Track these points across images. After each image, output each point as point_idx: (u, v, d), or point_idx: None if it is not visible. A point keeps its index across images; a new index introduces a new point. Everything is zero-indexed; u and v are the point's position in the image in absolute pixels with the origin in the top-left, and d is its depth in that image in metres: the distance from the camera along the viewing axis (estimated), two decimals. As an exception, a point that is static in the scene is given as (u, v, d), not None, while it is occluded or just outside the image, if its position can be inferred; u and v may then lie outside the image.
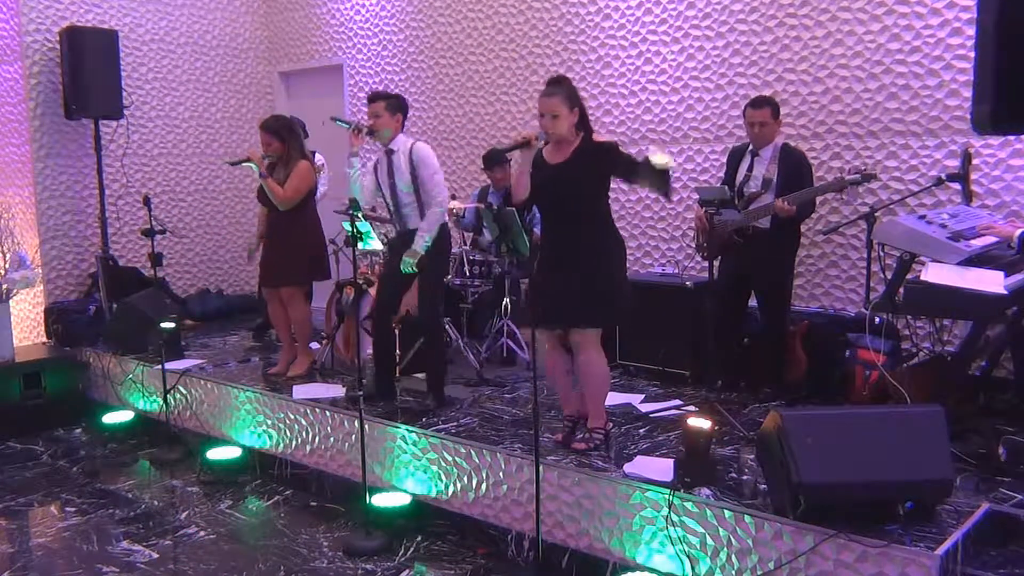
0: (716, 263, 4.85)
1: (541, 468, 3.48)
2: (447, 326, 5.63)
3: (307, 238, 5.26)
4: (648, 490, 3.38)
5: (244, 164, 5.20)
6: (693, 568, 3.25)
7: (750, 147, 4.68)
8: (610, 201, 3.94)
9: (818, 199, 4.99)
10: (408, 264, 4.48)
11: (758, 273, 4.58)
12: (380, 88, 7.37)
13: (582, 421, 4.01)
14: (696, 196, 4.95)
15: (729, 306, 4.71)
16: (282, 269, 5.24)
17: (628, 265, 5.86)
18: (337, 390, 5.03)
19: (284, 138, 5.14)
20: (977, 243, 3.64)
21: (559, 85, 3.77)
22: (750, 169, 4.64)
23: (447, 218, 4.78)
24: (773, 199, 4.44)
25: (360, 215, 4.17)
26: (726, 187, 4.53)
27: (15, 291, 6.04)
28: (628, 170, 3.80)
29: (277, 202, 5.13)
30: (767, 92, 5.25)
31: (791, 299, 4.79)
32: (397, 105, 4.66)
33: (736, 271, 4.64)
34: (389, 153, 4.64)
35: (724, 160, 4.98)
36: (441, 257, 4.70)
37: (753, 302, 4.77)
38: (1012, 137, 4.38)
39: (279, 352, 5.71)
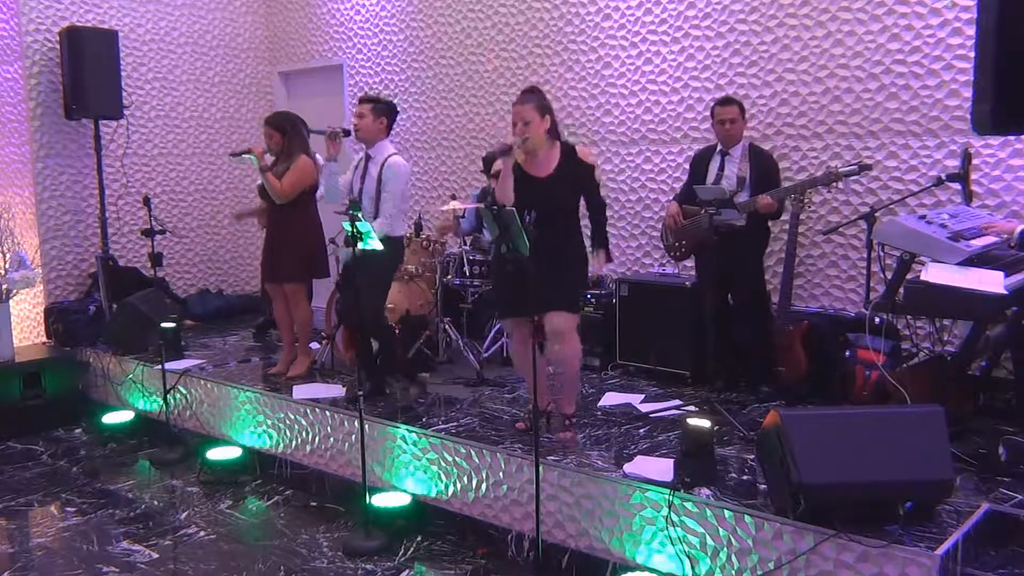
0: (693, 262, 4.96)
1: (541, 468, 3.49)
2: (447, 326, 5.64)
3: (306, 235, 5.26)
4: (648, 490, 3.38)
5: (245, 156, 5.22)
6: (693, 568, 3.25)
7: (718, 147, 4.82)
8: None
9: (816, 198, 5.00)
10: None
11: (736, 271, 4.64)
12: (380, 88, 7.38)
13: (556, 413, 4.11)
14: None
15: (715, 305, 4.74)
16: (282, 265, 5.24)
17: (628, 265, 5.94)
18: (337, 390, 5.03)
19: (285, 132, 5.15)
20: (977, 243, 3.64)
21: (531, 94, 3.99)
22: (721, 168, 4.76)
23: (405, 230, 4.89)
24: (748, 196, 4.54)
25: (360, 215, 4.17)
26: (725, 187, 4.55)
27: (15, 291, 6.04)
28: (590, 194, 4.06)
29: (274, 195, 5.11)
30: (767, 92, 5.26)
31: (767, 294, 4.87)
32: (383, 110, 4.73)
33: (715, 270, 4.67)
34: (367, 158, 4.77)
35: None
36: (387, 263, 4.74)
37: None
38: (1012, 137, 4.37)
39: (279, 352, 5.72)
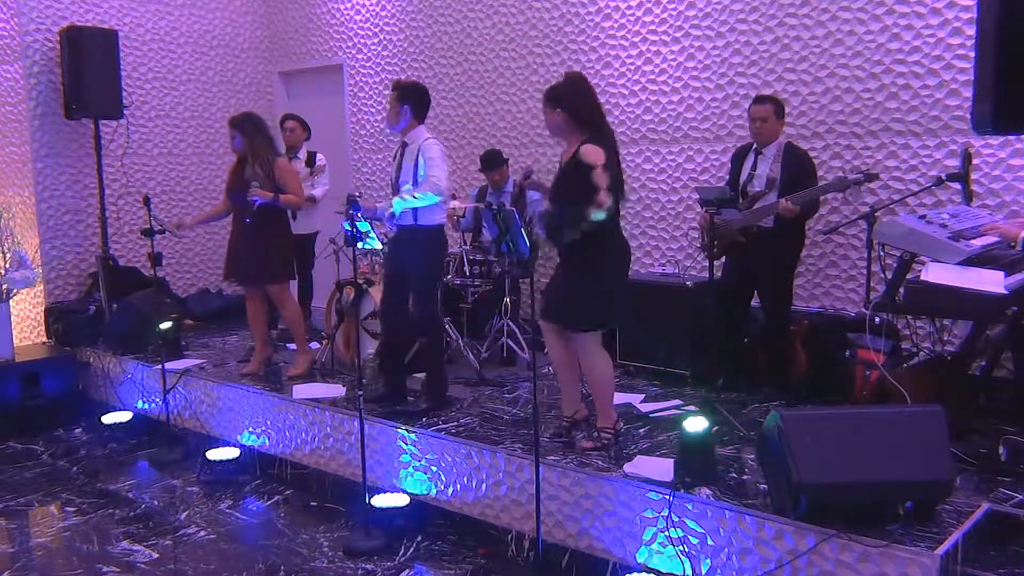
0: (720, 262, 4.87)
1: (541, 468, 3.48)
2: (447, 326, 5.64)
3: (286, 237, 5.34)
4: (648, 490, 3.38)
5: (256, 203, 5.12)
6: (693, 568, 3.25)
7: (754, 146, 4.68)
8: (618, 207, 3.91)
9: (821, 198, 5.00)
10: (386, 209, 4.44)
11: (761, 273, 4.58)
12: (380, 88, 7.38)
13: (583, 422, 4.02)
14: (697, 196, 4.96)
15: (732, 305, 4.71)
16: (268, 267, 5.21)
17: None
18: (337, 390, 5.03)
19: (245, 132, 5.14)
20: (977, 243, 3.63)
21: (549, 90, 3.94)
22: (754, 168, 4.63)
23: (444, 219, 4.70)
24: (776, 198, 4.44)
25: (360, 215, 4.17)
26: (726, 187, 4.53)
27: (15, 291, 6.04)
28: (584, 193, 3.69)
29: (297, 207, 5.34)
30: (767, 92, 5.24)
31: (792, 299, 4.79)
32: (404, 95, 4.54)
33: (740, 270, 4.64)
34: (403, 145, 4.59)
35: (725, 160, 4.98)
36: (433, 256, 4.63)
37: (755, 301, 4.78)
38: (1012, 137, 4.37)
39: (290, 354, 5.70)
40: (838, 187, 4.35)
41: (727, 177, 4.94)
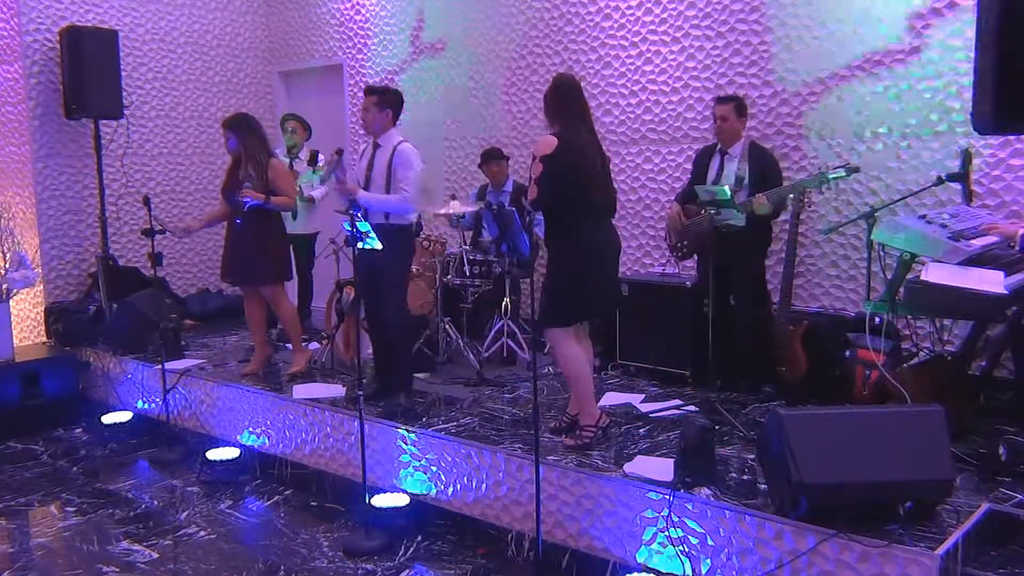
0: (693, 262, 4.96)
1: (541, 468, 3.49)
2: (447, 326, 5.64)
3: (282, 238, 5.36)
4: (648, 490, 3.38)
5: (246, 204, 5.12)
6: (693, 568, 3.25)
7: (719, 146, 4.81)
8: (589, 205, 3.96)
9: (816, 198, 5.00)
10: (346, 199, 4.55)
11: (735, 270, 4.66)
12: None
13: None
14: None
15: (715, 304, 4.72)
16: (263, 269, 5.21)
17: (628, 265, 5.91)
18: (337, 390, 5.03)
19: (239, 133, 5.15)
20: (977, 243, 3.63)
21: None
22: (721, 168, 4.76)
23: (415, 219, 4.78)
24: (747, 196, 4.53)
25: (361, 214, 4.17)
26: (725, 187, 4.54)
27: (15, 291, 6.04)
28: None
29: (288, 209, 5.34)
30: (768, 92, 5.26)
31: (768, 293, 4.85)
32: (388, 101, 4.67)
33: (716, 270, 4.66)
34: (376, 147, 4.71)
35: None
36: (403, 255, 4.71)
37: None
38: (1012, 137, 4.37)
39: (290, 353, 5.70)
40: (816, 182, 4.36)
41: (689, 178, 5.04)
